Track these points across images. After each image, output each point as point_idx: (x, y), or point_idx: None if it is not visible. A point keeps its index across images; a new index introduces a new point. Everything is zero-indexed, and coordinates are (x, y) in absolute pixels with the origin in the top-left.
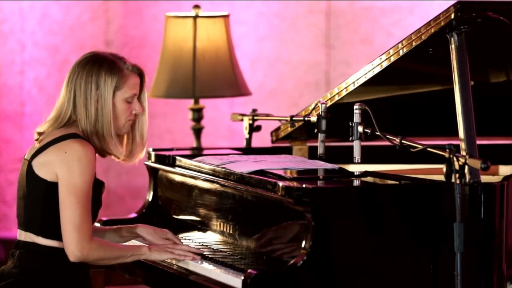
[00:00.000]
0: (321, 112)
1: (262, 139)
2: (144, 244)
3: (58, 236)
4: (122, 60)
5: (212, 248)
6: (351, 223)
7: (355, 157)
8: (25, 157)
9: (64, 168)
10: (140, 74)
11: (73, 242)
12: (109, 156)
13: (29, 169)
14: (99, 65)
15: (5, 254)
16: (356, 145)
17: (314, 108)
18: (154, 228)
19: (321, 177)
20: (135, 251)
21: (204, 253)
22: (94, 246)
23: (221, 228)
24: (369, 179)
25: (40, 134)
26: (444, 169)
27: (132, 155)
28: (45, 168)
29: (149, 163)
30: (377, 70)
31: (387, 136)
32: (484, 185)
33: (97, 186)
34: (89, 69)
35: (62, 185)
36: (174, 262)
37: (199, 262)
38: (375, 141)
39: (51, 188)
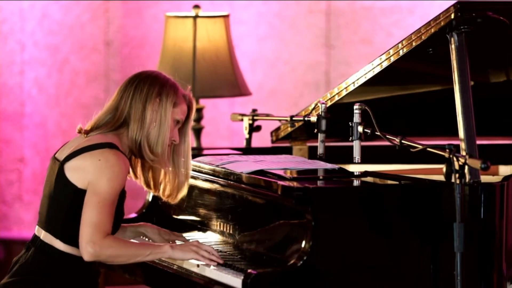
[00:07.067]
0: (321, 112)
1: (262, 139)
2: (165, 243)
3: (76, 243)
4: (179, 86)
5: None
6: (351, 223)
7: (355, 157)
8: (56, 156)
9: (96, 174)
10: (189, 106)
11: (86, 239)
12: (148, 189)
13: (60, 171)
14: (163, 79)
15: (5, 254)
16: (356, 145)
17: (314, 108)
18: (159, 227)
19: (321, 177)
20: (155, 249)
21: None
22: (107, 242)
23: (221, 228)
24: (369, 179)
25: (84, 131)
26: (444, 169)
27: (178, 189)
28: (76, 173)
29: None
30: (377, 70)
31: (387, 136)
32: (484, 185)
33: (121, 195)
34: (154, 78)
35: (89, 187)
36: (176, 262)
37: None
38: (375, 141)
39: (79, 194)
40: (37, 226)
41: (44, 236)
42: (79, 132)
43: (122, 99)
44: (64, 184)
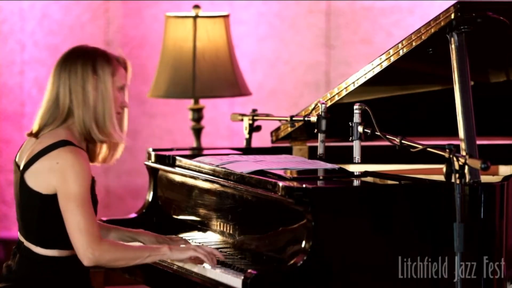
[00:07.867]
0: (321, 112)
1: (262, 139)
2: (163, 245)
3: (56, 246)
4: (109, 52)
5: None
6: (351, 223)
7: (355, 157)
8: (16, 161)
9: (59, 178)
10: (125, 68)
11: (83, 246)
12: (96, 163)
13: (22, 181)
14: (93, 52)
15: (5, 254)
16: (356, 145)
17: (314, 108)
18: (156, 235)
19: (321, 177)
20: (154, 251)
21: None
22: (105, 247)
23: (221, 228)
24: (369, 179)
25: (34, 134)
26: (444, 169)
27: (114, 151)
28: (38, 180)
29: (149, 163)
30: (377, 70)
31: (387, 136)
32: (484, 185)
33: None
34: (84, 56)
35: (60, 194)
36: (176, 262)
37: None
38: (375, 141)
39: (46, 200)
40: (18, 233)
41: (26, 242)
42: (29, 135)
43: (60, 87)
44: (29, 193)
